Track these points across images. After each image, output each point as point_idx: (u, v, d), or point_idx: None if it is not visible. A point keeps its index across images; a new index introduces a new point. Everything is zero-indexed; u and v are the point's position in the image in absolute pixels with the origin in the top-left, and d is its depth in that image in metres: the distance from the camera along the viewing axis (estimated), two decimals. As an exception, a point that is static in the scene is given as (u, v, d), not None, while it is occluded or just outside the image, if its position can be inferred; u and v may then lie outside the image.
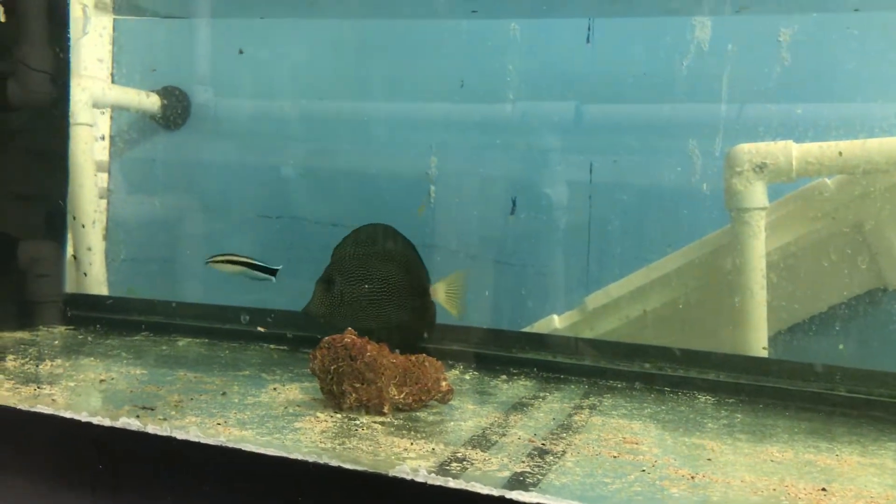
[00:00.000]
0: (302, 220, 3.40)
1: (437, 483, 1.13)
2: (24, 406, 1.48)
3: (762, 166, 2.49)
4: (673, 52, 2.81)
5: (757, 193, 2.50)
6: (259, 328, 2.45)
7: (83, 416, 1.40)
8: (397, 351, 1.86)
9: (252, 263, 2.26)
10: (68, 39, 2.37)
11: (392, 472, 1.16)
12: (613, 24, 3.05)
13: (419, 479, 1.14)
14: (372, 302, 2.12)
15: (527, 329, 2.78)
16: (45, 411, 1.44)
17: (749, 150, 2.51)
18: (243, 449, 1.25)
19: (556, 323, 2.81)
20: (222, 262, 2.23)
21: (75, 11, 2.62)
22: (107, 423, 1.37)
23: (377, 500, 1.19)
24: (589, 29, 3.05)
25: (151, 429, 1.34)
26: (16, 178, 2.43)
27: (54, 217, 2.53)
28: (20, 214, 2.46)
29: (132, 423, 1.36)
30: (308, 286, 3.36)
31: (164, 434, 1.31)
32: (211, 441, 1.28)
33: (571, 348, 2.28)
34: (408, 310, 2.14)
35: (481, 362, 2.30)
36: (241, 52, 2.77)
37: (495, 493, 1.11)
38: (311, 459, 1.21)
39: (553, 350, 2.27)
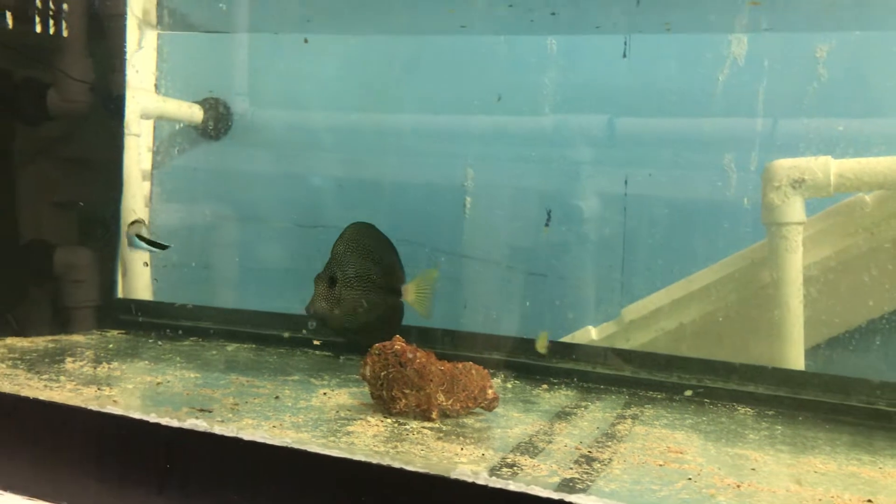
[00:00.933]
0: (339, 229, 3.47)
1: (498, 486, 1.18)
2: (93, 406, 1.54)
3: (800, 181, 2.52)
4: (709, 67, 2.85)
5: (795, 208, 2.53)
6: (315, 342, 2.50)
7: (151, 418, 1.46)
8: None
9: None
10: (125, 53, 2.46)
11: (453, 475, 1.21)
12: (650, 39, 3.09)
13: (480, 482, 1.18)
14: (358, 301, 2.16)
15: (564, 339, 2.82)
16: (115, 412, 1.50)
17: (787, 166, 2.54)
18: (308, 450, 1.31)
19: (593, 334, 2.85)
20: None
21: (131, 26, 2.71)
22: (175, 424, 1.43)
23: (438, 501, 1.23)
24: (625, 44, 3.09)
25: (218, 430, 1.39)
26: (56, 186, 2.50)
27: (94, 224, 2.61)
28: (61, 222, 2.54)
29: (199, 425, 1.42)
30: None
31: (231, 435, 1.37)
32: (276, 442, 1.34)
33: (611, 359, 2.31)
34: (381, 309, 2.19)
35: (521, 371, 2.34)
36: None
37: (554, 496, 1.15)
38: (374, 461, 1.26)
39: (593, 361, 2.31)
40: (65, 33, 2.36)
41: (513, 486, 1.18)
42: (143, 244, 2.14)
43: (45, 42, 2.39)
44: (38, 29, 2.34)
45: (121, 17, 2.46)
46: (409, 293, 2.20)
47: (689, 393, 2.20)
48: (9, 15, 2.29)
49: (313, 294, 2.12)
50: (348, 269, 2.14)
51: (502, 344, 2.47)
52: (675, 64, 3.03)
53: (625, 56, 3.10)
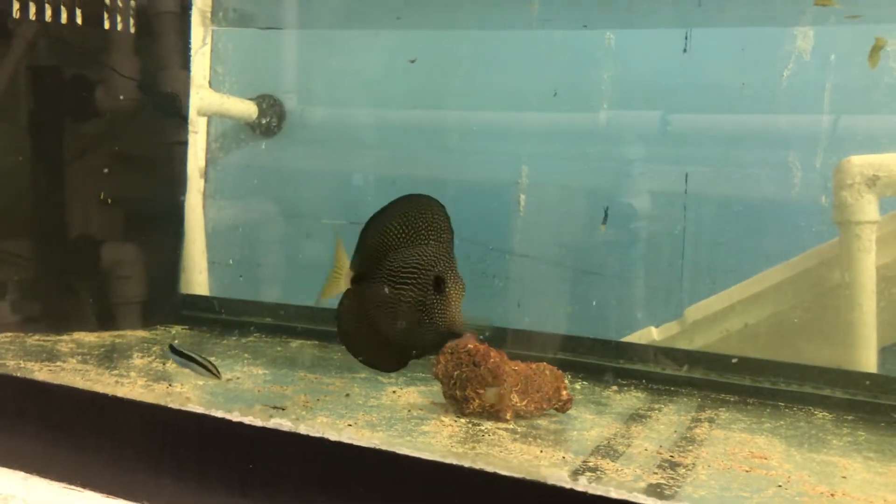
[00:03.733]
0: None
1: (599, 493, 1.14)
2: (173, 405, 1.54)
3: (874, 179, 2.44)
4: (774, 62, 2.78)
5: (868, 206, 2.45)
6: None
7: (234, 416, 1.45)
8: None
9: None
10: (189, 49, 2.46)
11: (550, 480, 1.18)
12: (711, 33, 3.03)
13: (579, 489, 1.15)
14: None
15: (625, 339, 2.77)
16: (196, 410, 1.49)
17: (860, 163, 2.47)
18: (397, 452, 1.29)
19: (655, 335, 2.80)
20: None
21: (195, 21, 2.71)
22: (258, 423, 1.42)
23: (531, 506, 1.21)
24: (686, 38, 3.03)
25: (304, 430, 1.38)
26: (126, 183, 2.51)
27: (162, 220, 2.62)
28: (131, 218, 2.55)
29: (284, 424, 1.40)
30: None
31: (317, 435, 1.36)
32: (363, 443, 1.32)
33: (681, 360, 2.27)
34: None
35: (588, 372, 2.30)
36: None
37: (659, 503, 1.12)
38: (466, 464, 1.23)
39: (661, 362, 2.27)
40: (123, 30, 2.36)
41: (614, 494, 1.14)
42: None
43: (102, 39, 2.39)
44: (107, 25, 2.35)
45: (182, 14, 2.46)
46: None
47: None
48: (78, 12, 2.31)
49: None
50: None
51: (564, 343, 2.43)
52: (738, 59, 2.97)
53: (685, 51, 3.04)
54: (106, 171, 2.45)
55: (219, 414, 1.46)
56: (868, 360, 2.42)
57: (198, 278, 2.97)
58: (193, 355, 1.78)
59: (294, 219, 3.56)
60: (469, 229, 3.29)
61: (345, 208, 3.52)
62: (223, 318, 2.65)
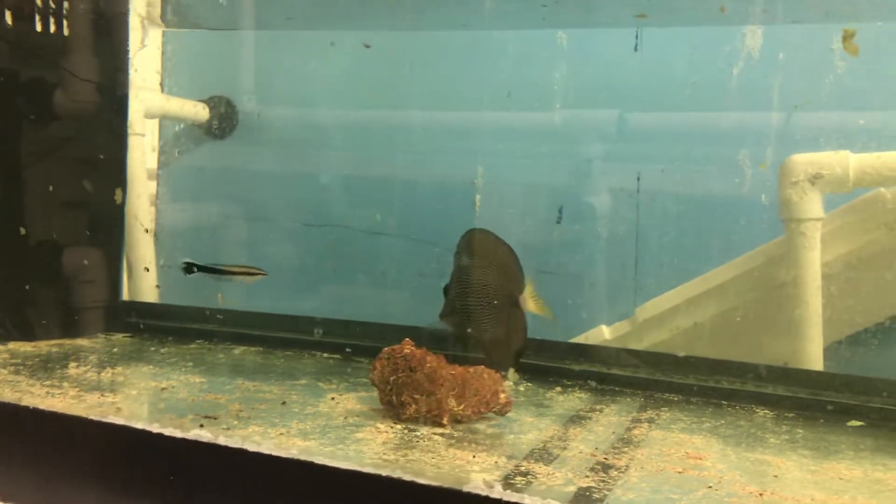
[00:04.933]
0: (347, 228, 3.42)
1: (513, 500, 1.13)
2: (95, 416, 1.50)
3: (818, 176, 2.46)
4: (723, 60, 2.79)
5: (813, 204, 2.47)
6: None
7: (154, 428, 1.42)
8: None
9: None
10: (128, 52, 2.41)
11: (466, 488, 1.16)
12: (661, 33, 3.03)
13: (494, 495, 1.14)
14: (485, 312, 2.05)
15: (576, 340, 2.76)
16: (117, 422, 1.46)
17: (805, 161, 2.48)
18: (315, 462, 1.26)
19: (606, 334, 2.79)
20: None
21: (134, 24, 2.67)
22: (178, 434, 1.39)
23: (450, 514, 1.19)
24: (637, 38, 3.04)
25: (223, 440, 1.35)
26: (63, 185, 2.46)
27: (101, 224, 2.57)
28: (66, 221, 2.50)
29: (203, 435, 1.37)
30: (354, 294, 3.40)
31: (236, 446, 1.33)
32: (283, 454, 1.29)
33: (626, 360, 2.26)
34: (504, 321, 2.08)
35: (534, 373, 2.29)
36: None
37: (572, 510, 1.10)
38: (384, 474, 1.21)
39: (608, 362, 2.26)
40: (66, 32, 2.31)
41: (528, 500, 1.13)
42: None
43: (48, 41, 2.35)
44: (39, 28, 2.30)
45: (123, 15, 2.41)
46: (528, 303, 2.11)
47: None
48: (8, 14, 2.25)
49: (444, 304, 2.06)
50: (474, 279, 2.04)
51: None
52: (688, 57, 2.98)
53: (636, 50, 3.04)
54: (47, 174, 2.40)
55: (139, 425, 1.43)
56: (814, 357, 2.43)
57: (143, 284, 2.92)
58: (218, 266, 1.76)
59: (251, 221, 3.52)
60: (423, 228, 3.30)
61: (299, 210, 3.49)
62: (167, 326, 2.61)
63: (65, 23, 2.31)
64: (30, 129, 2.40)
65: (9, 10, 2.22)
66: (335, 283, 3.35)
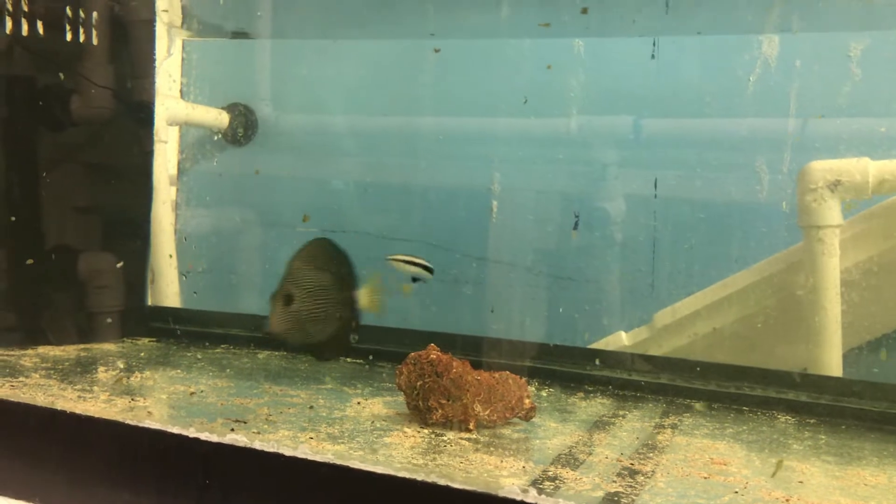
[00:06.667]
0: (366, 234, 3.45)
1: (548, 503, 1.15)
2: (131, 420, 1.53)
3: (837, 183, 2.47)
4: (741, 68, 2.81)
5: (831, 211, 2.48)
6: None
7: (191, 432, 1.45)
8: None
9: (420, 264, 2.30)
10: (154, 60, 2.45)
11: (502, 493, 1.18)
12: (679, 41, 3.06)
13: (529, 500, 1.16)
14: (318, 316, 2.12)
15: (595, 345, 2.78)
16: (152, 426, 1.49)
17: (823, 167, 2.49)
18: (352, 466, 1.29)
19: (624, 340, 2.81)
20: (401, 261, 2.29)
21: (160, 33, 2.71)
22: (214, 438, 1.42)
23: (484, 518, 1.21)
24: (654, 45, 3.06)
25: (258, 444, 1.38)
26: (96, 193, 2.50)
27: (126, 230, 2.60)
28: (92, 227, 2.53)
29: (240, 440, 1.40)
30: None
31: (272, 450, 1.35)
32: (319, 458, 1.32)
33: (647, 366, 2.28)
34: (338, 320, 2.16)
35: (554, 378, 2.31)
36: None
37: (606, 514, 1.12)
38: (419, 478, 1.24)
39: (629, 368, 2.28)
40: (94, 41, 2.35)
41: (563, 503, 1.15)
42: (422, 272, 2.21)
43: (72, 49, 2.39)
44: (69, 37, 2.34)
45: (149, 23, 2.45)
46: (364, 298, 2.16)
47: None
48: (39, 24, 2.30)
49: (270, 313, 2.09)
50: (307, 286, 2.10)
51: (532, 350, 2.44)
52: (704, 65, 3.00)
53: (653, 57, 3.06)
54: (76, 180, 2.44)
55: (175, 430, 1.46)
56: (834, 363, 2.44)
57: (167, 289, 2.96)
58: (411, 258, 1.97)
59: (268, 227, 3.56)
60: (444, 233, 3.32)
61: (317, 215, 3.52)
62: (192, 330, 2.64)
63: (94, 32, 2.34)
64: (58, 136, 2.44)
65: (40, 20, 2.26)
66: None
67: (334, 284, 2.13)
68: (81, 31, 2.36)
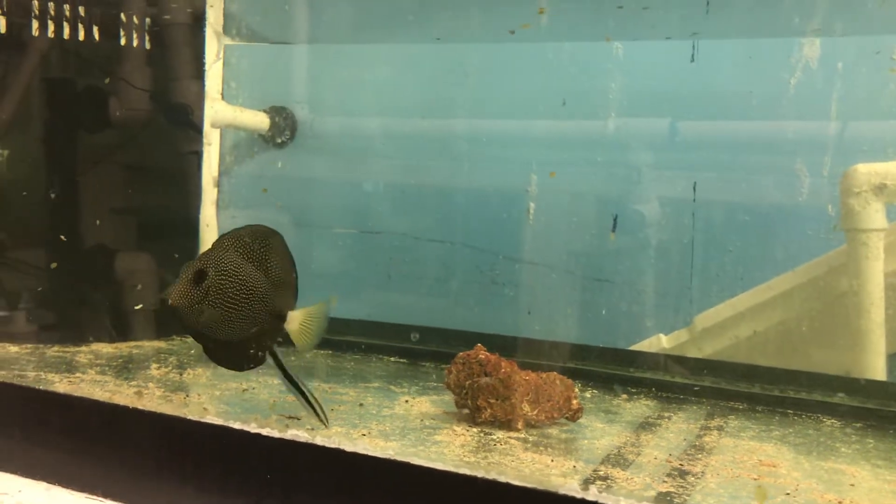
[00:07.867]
0: (405, 235, 3.49)
1: (609, 503, 1.17)
2: (193, 417, 1.57)
3: (881, 187, 2.46)
4: (781, 70, 2.81)
5: (875, 214, 2.47)
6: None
7: (252, 428, 1.49)
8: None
9: None
10: (203, 63, 2.51)
11: (562, 490, 1.20)
12: (718, 44, 3.06)
13: (590, 498, 1.18)
14: (233, 312, 1.68)
15: (634, 347, 2.79)
16: (216, 422, 1.53)
17: (867, 171, 2.49)
18: (412, 462, 1.32)
19: (664, 342, 2.82)
20: None
21: (209, 38, 2.76)
22: (276, 434, 1.45)
23: (543, 515, 1.23)
24: (693, 48, 3.06)
25: (320, 441, 1.41)
26: (148, 195, 2.57)
27: (177, 230, 2.66)
28: (146, 229, 2.60)
29: (301, 436, 1.44)
30: (406, 300, 3.46)
31: (333, 446, 1.39)
32: (380, 454, 1.35)
33: (691, 368, 2.29)
34: (253, 330, 1.76)
35: (598, 380, 2.33)
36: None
37: (667, 513, 1.14)
38: (479, 475, 1.26)
39: (671, 370, 2.29)
40: (147, 45, 2.41)
41: (624, 503, 1.17)
42: None
43: (130, 53, 2.45)
44: (123, 42, 2.40)
45: (200, 29, 2.51)
46: (294, 321, 1.80)
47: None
48: (96, 30, 2.36)
49: (176, 282, 1.62)
50: (227, 270, 1.66)
51: (573, 352, 2.46)
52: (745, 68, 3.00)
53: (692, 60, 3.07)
54: (123, 181, 2.51)
55: (237, 426, 1.50)
56: (877, 367, 2.43)
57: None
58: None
59: (306, 227, 3.60)
60: (480, 234, 3.35)
61: (355, 217, 3.57)
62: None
63: (147, 37, 2.41)
64: (107, 137, 2.51)
65: (96, 25, 2.32)
66: (393, 289, 3.42)
67: (261, 287, 1.72)
68: (135, 35, 2.42)
